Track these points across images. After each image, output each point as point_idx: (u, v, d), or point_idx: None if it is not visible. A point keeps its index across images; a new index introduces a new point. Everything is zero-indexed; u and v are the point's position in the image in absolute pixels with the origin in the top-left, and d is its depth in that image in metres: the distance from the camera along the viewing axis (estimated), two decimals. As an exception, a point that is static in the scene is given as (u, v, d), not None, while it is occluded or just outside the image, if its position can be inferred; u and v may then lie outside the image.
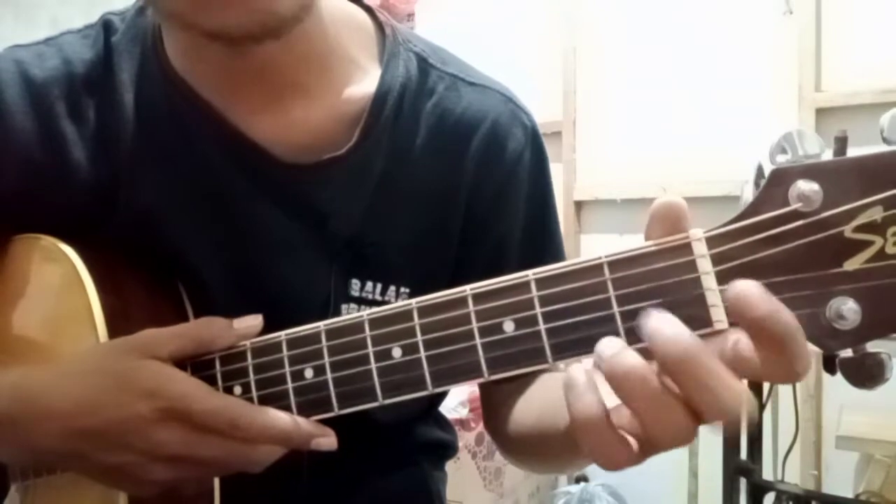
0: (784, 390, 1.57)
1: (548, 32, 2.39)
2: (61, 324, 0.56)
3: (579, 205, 2.36)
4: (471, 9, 2.49)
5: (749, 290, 0.34)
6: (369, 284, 0.61)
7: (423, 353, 0.43)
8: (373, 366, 0.44)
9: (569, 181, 2.35)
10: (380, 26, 0.64)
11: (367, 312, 0.45)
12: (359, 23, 0.63)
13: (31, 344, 0.58)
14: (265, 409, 0.47)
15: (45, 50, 0.60)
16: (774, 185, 0.37)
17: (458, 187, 0.63)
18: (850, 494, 1.80)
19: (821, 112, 1.93)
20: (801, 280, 0.36)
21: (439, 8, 2.53)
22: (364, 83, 0.61)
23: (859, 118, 1.86)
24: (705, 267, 0.37)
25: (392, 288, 0.62)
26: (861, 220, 0.35)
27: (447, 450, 0.77)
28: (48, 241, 0.58)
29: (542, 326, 0.40)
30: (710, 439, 1.70)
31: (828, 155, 0.37)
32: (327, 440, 0.47)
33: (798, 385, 1.60)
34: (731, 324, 0.36)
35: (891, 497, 1.68)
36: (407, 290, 0.62)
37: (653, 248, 0.38)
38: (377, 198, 0.61)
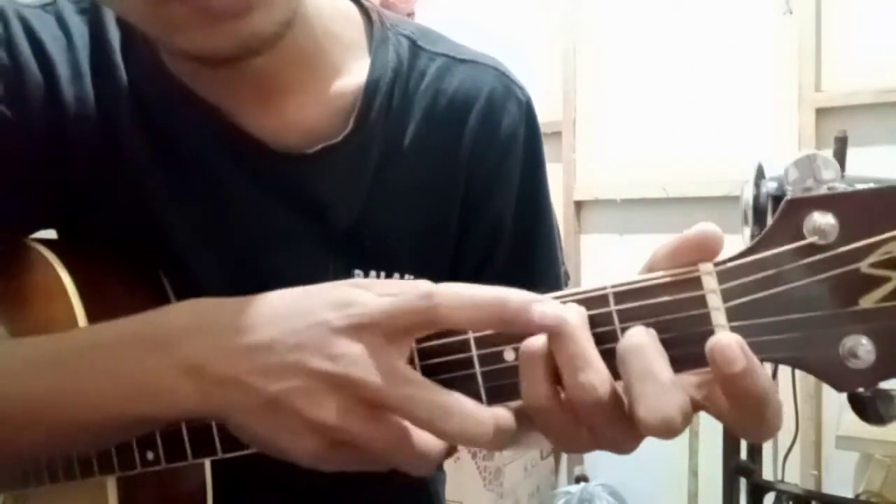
0: (784, 390, 1.57)
1: (548, 32, 2.40)
2: (45, 333, 0.56)
3: (579, 205, 2.36)
4: (470, 8, 2.49)
5: (730, 344, 0.34)
6: (373, 274, 0.61)
7: None
8: None
9: (569, 181, 2.35)
10: (366, 13, 0.63)
11: None
12: (345, 13, 0.63)
13: None
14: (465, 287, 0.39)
15: (44, 15, 0.58)
16: (789, 215, 0.35)
17: (455, 168, 0.62)
18: (850, 494, 1.80)
19: (821, 112, 1.93)
20: (814, 318, 0.35)
21: (439, 7, 2.53)
22: (355, 74, 0.60)
23: (859, 118, 1.86)
24: (715, 303, 0.36)
25: (396, 275, 0.61)
26: (878, 255, 0.34)
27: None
28: (31, 246, 0.57)
29: None
30: (710, 439, 1.70)
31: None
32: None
33: (798, 385, 1.60)
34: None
35: (891, 497, 1.68)
36: (411, 277, 0.61)
37: (660, 280, 0.37)
38: (375, 185, 0.60)
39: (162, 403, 0.41)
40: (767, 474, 1.54)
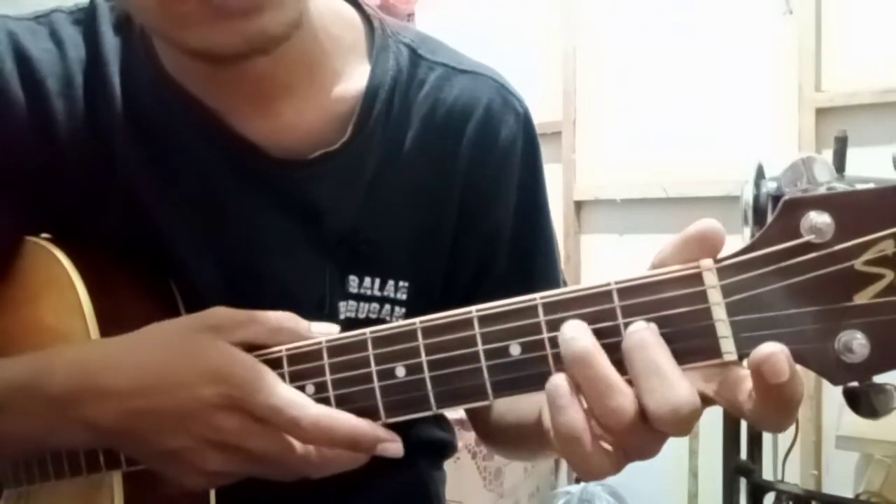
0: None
1: (548, 32, 2.40)
2: (54, 330, 0.56)
3: (579, 205, 2.36)
4: (471, 9, 2.49)
5: (779, 357, 0.34)
6: (367, 280, 0.61)
7: (427, 374, 0.42)
8: (376, 384, 0.44)
9: (569, 181, 2.35)
10: (368, 20, 0.63)
11: (369, 330, 0.44)
12: (347, 19, 0.63)
13: (24, 350, 0.58)
14: (334, 411, 0.45)
15: (37, 28, 0.59)
16: (786, 214, 0.36)
17: (452, 178, 0.62)
18: (850, 494, 1.80)
19: (821, 112, 1.93)
20: (810, 313, 0.36)
21: (439, 8, 2.53)
22: (354, 80, 0.60)
23: (859, 118, 1.86)
24: (716, 298, 0.37)
25: (391, 282, 0.61)
26: (872, 253, 0.35)
27: (446, 449, 0.76)
28: (40, 244, 0.57)
29: (549, 351, 0.40)
30: (710, 439, 1.70)
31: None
32: (394, 446, 0.45)
33: (798, 385, 1.60)
34: (741, 356, 0.37)
35: (891, 497, 1.68)
36: (406, 284, 0.62)
37: (662, 277, 0.38)
38: (372, 192, 0.60)
39: (69, 444, 0.51)
40: (767, 474, 1.54)
